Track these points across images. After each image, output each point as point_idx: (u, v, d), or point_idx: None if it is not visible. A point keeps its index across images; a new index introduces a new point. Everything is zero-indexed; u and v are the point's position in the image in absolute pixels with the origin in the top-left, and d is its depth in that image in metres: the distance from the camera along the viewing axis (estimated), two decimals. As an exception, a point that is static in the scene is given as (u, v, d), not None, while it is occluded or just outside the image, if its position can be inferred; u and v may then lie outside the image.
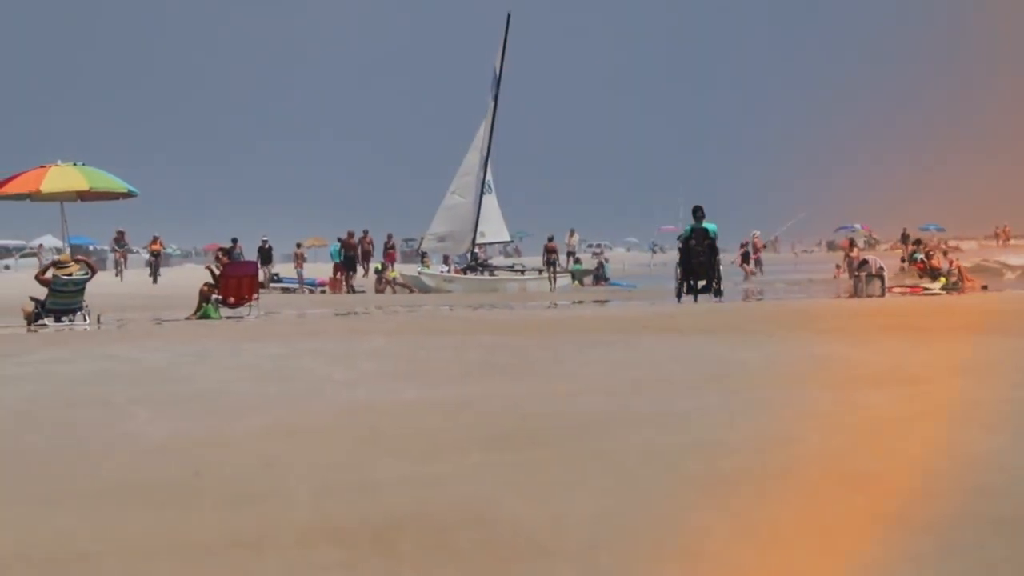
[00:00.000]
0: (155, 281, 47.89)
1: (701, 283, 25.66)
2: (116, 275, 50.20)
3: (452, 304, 31.56)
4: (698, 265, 25.65)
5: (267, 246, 49.35)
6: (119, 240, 53.19)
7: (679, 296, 25.88)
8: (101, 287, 27.73)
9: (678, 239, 26.99)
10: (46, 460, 6.65)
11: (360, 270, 47.78)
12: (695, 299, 25.40)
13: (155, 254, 51.22)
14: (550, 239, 46.82)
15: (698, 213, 25.94)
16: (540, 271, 46.80)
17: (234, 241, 48.85)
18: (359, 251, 46.03)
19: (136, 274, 50.92)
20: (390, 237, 47.65)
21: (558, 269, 46.99)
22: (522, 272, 48.95)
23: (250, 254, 48.15)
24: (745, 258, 45.94)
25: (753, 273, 45.63)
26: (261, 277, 41.51)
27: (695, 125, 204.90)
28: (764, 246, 50.29)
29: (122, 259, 52.30)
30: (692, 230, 25.82)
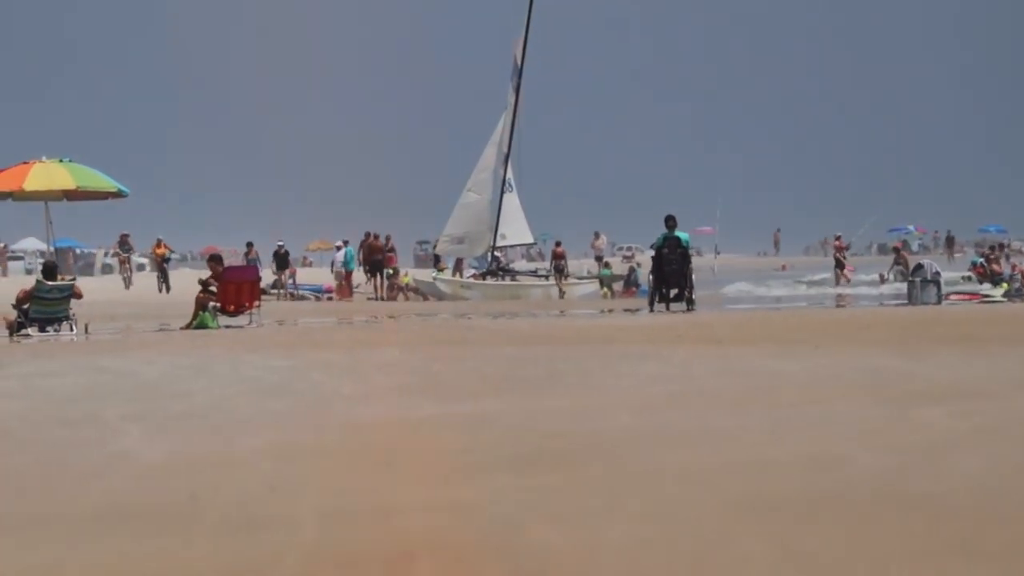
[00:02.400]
0: (168, 290, 45.35)
1: (674, 292, 26.94)
2: (123, 282, 49.91)
3: (470, 312, 31.60)
4: (671, 274, 26.96)
5: (283, 251, 48.90)
6: (123, 243, 52.67)
7: (652, 305, 27.14)
8: (92, 294, 27.76)
9: (651, 247, 28.36)
10: (32, 483, 6.67)
11: (363, 276, 47.66)
12: (667, 308, 26.63)
13: (164, 259, 48.97)
14: (557, 244, 48.16)
15: (670, 222, 27.24)
16: (547, 276, 47.28)
17: (249, 245, 48.85)
18: (384, 254, 45.98)
19: (140, 280, 50.58)
20: (388, 239, 47.63)
21: (568, 275, 47.46)
22: (546, 277, 48.98)
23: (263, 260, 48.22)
24: (839, 264, 48.69)
25: (847, 279, 47.53)
26: (269, 282, 41.77)
27: (734, 120, 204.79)
28: (847, 247, 52.26)
29: (126, 264, 52.02)
30: (665, 239, 27.13)
